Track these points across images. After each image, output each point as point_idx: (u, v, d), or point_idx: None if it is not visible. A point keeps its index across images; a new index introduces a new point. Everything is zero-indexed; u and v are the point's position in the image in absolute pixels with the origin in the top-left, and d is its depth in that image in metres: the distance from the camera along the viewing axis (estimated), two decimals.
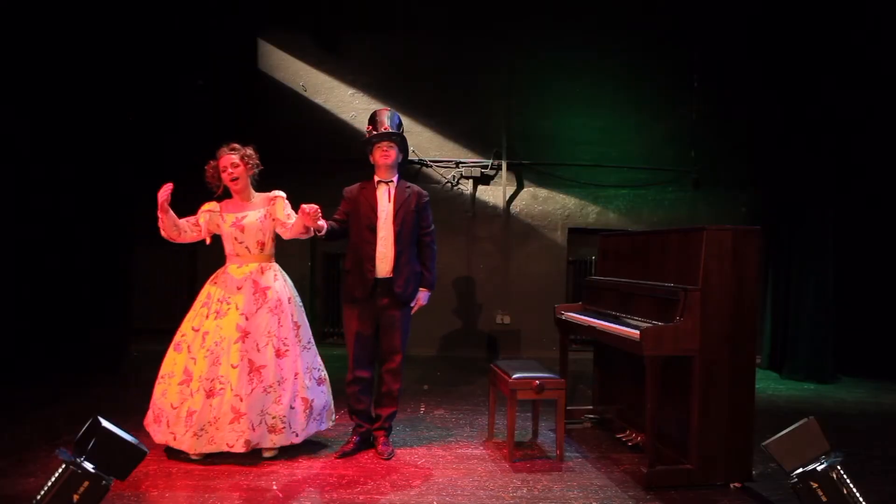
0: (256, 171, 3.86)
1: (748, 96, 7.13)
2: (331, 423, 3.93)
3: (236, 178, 3.76)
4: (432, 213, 3.97)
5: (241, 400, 3.50)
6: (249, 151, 3.83)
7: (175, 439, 3.53)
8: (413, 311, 3.90)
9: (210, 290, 3.74)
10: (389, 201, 3.79)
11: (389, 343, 3.79)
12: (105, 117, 6.40)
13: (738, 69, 7.12)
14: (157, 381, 3.68)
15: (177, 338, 3.72)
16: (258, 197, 3.87)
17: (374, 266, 3.71)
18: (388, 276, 3.73)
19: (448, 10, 7.13)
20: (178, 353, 3.66)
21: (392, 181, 3.83)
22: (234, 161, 3.75)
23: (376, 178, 3.84)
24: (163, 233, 3.73)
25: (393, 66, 7.17)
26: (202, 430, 3.48)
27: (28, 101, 5.58)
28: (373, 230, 3.74)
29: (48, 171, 5.78)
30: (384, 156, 3.78)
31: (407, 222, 3.77)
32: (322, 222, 3.60)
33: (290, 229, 3.73)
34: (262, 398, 3.55)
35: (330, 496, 3.14)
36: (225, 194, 3.87)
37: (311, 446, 3.82)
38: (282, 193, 3.87)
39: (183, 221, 3.77)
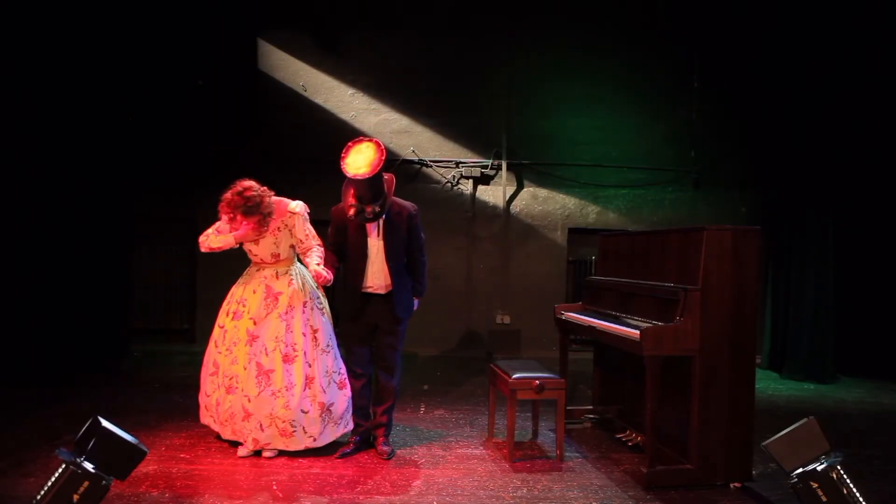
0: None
1: (748, 96, 7.13)
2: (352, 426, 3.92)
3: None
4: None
5: (250, 401, 3.61)
6: (267, 204, 3.61)
7: (215, 422, 3.80)
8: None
9: (233, 290, 3.87)
10: (379, 237, 3.69)
11: (386, 346, 3.83)
12: (105, 117, 6.38)
13: (738, 69, 7.12)
14: (203, 378, 3.90)
15: (212, 334, 3.89)
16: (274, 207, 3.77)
17: (361, 293, 3.71)
18: (382, 292, 3.73)
19: (448, 10, 7.13)
20: (213, 347, 3.84)
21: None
22: (259, 230, 3.64)
23: None
24: (216, 247, 3.72)
25: (393, 66, 7.17)
26: (225, 420, 3.71)
27: (28, 102, 5.57)
28: (363, 264, 3.70)
29: (48, 171, 5.76)
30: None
31: (398, 250, 3.73)
32: (329, 277, 3.58)
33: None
34: (269, 401, 3.60)
35: (330, 496, 3.14)
36: None
37: None
38: (299, 210, 3.76)
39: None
